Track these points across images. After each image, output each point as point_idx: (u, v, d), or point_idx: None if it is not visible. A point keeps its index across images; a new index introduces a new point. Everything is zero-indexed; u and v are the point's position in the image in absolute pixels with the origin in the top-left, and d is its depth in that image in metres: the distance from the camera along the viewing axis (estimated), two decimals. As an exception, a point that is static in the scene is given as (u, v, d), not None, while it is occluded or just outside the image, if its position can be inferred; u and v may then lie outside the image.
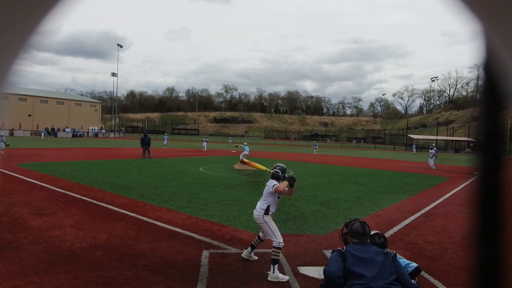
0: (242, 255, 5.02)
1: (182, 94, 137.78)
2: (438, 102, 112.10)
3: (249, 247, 4.97)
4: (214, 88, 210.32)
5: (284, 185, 4.55)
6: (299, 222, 7.02)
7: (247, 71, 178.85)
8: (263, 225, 4.61)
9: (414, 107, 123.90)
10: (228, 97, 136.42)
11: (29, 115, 58.09)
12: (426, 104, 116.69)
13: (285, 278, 4.36)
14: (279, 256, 4.45)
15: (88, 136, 60.64)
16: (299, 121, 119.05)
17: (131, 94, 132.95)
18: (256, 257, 4.99)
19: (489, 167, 0.55)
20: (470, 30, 0.47)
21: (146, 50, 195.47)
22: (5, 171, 12.60)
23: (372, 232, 3.50)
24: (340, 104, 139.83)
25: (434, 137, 59.83)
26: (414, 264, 3.43)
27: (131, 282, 4.08)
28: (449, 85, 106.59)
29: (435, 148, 24.26)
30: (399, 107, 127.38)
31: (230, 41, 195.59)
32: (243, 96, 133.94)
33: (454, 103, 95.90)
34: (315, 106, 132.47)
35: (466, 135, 58.71)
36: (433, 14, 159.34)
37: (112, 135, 66.87)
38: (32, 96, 59.87)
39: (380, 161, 26.93)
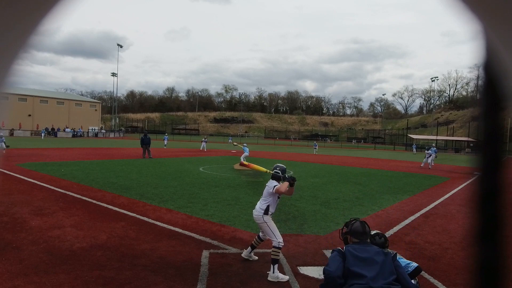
0: (242, 255, 5.02)
1: (182, 94, 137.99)
2: (438, 102, 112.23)
3: (249, 247, 4.97)
4: (214, 88, 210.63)
5: (285, 186, 4.54)
6: (299, 222, 7.02)
7: (247, 71, 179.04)
8: (262, 225, 4.61)
9: (414, 107, 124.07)
10: (228, 97, 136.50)
11: (29, 115, 58.09)
12: (426, 104, 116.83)
13: (285, 278, 4.36)
14: (279, 256, 4.45)
15: (88, 136, 60.64)
16: (299, 121, 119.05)
17: (131, 94, 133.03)
18: (256, 257, 4.99)
19: (489, 167, 0.55)
20: (470, 30, 0.47)
21: (146, 50, 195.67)
22: (5, 171, 12.60)
23: (372, 232, 3.50)
24: (340, 104, 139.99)
25: (434, 137, 59.82)
26: (415, 264, 3.43)
27: (131, 282, 4.08)
28: (449, 85, 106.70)
29: (433, 148, 24.28)
30: (399, 107, 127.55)
31: (230, 41, 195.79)
32: (243, 96, 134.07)
33: (454, 103, 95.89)
34: (315, 106, 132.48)
35: (466, 135, 58.71)
36: (433, 14, 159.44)
37: (112, 135, 66.86)
38: (32, 96, 59.86)
39: (380, 161, 26.93)
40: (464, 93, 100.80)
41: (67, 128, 59.88)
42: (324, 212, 8.07)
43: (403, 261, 3.40)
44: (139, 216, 7.05)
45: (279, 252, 4.46)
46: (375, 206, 9.01)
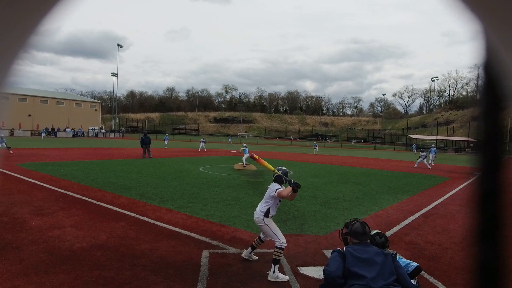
0: (242, 255, 5.01)
1: (182, 94, 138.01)
2: (438, 102, 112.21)
3: (249, 248, 4.97)
4: (214, 88, 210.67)
5: (287, 191, 4.49)
6: (299, 222, 7.02)
7: (247, 71, 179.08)
8: (263, 227, 4.60)
9: (414, 107, 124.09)
10: (228, 97, 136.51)
11: (29, 115, 58.08)
12: (426, 104, 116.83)
13: (285, 278, 4.35)
14: (280, 256, 4.44)
15: (88, 136, 60.64)
16: (299, 121, 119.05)
17: (131, 94, 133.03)
18: (256, 257, 4.99)
19: (489, 167, 0.55)
20: (470, 30, 0.47)
21: (146, 50, 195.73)
22: (5, 171, 12.60)
23: (373, 232, 3.50)
24: (340, 104, 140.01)
25: (434, 137, 59.82)
26: (415, 264, 3.43)
27: (131, 282, 4.08)
28: (449, 85, 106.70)
29: (433, 148, 24.27)
30: (399, 107, 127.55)
31: (230, 41, 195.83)
32: (243, 96, 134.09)
33: (454, 103, 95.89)
34: (315, 106, 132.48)
35: (466, 135, 58.71)
36: (433, 14, 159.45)
37: (112, 135, 66.87)
38: (32, 96, 59.86)
39: (380, 161, 26.93)
40: (464, 93, 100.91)
41: (67, 128, 59.89)
42: (324, 212, 8.07)
43: (403, 261, 3.40)
44: (139, 216, 7.05)
45: (282, 253, 4.45)
46: (375, 206, 9.01)
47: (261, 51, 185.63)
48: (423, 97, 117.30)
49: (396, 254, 3.13)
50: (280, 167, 4.88)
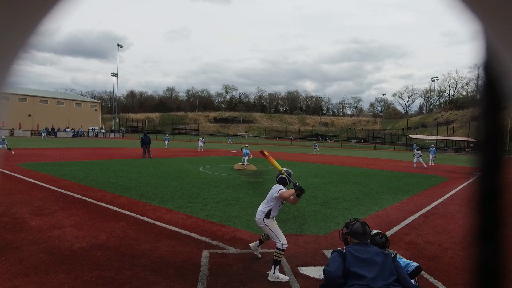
0: (250, 245, 5.07)
1: (182, 94, 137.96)
2: (438, 102, 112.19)
3: (257, 241, 5.00)
4: (214, 88, 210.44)
5: (290, 192, 4.45)
6: (299, 222, 7.02)
7: (247, 71, 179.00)
8: (264, 228, 4.59)
9: (414, 107, 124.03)
10: (228, 97, 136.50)
11: (29, 115, 58.09)
12: (426, 104, 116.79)
13: (285, 278, 4.35)
14: (281, 257, 4.43)
15: (88, 136, 60.66)
16: (299, 121, 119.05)
17: (131, 94, 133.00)
18: (259, 255, 4.97)
19: (489, 167, 0.55)
20: (470, 30, 0.47)
21: (146, 50, 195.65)
22: (5, 171, 12.60)
23: (373, 232, 3.50)
24: (340, 104, 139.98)
25: (434, 137, 59.82)
26: (415, 264, 3.43)
27: (131, 282, 4.08)
28: (449, 85, 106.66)
29: (432, 148, 24.28)
30: (399, 107, 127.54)
31: (230, 41, 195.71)
32: (243, 96, 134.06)
33: (454, 103, 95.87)
34: (315, 106, 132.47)
35: (466, 135, 58.70)
36: (433, 14, 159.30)
37: (112, 135, 66.88)
38: (32, 96, 59.86)
39: (380, 161, 26.93)
40: (464, 93, 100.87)
41: (67, 128, 59.90)
42: (324, 212, 8.07)
43: (403, 261, 3.40)
44: (139, 216, 7.05)
45: (282, 254, 4.44)
46: (375, 206, 9.01)
47: (261, 51, 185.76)
48: (423, 97, 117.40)
49: (396, 254, 3.13)
50: (283, 168, 4.82)
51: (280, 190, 4.53)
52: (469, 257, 0.59)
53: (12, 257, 4.62)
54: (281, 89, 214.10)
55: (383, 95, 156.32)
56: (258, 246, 4.97)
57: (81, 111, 68.01)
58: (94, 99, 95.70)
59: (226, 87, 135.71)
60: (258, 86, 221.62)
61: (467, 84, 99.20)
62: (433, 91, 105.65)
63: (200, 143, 30.54)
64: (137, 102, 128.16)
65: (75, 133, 57.87)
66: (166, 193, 9.57)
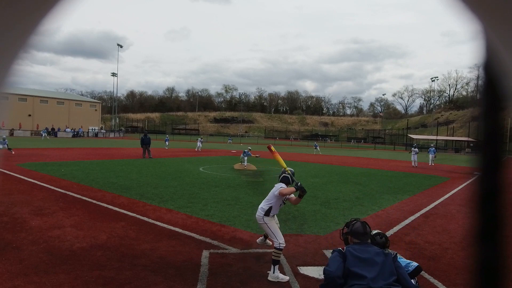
0: (257, 240, 5.15)
1: (182, 94, 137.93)
2: (438, 102, 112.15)
3: (263, 236, 5.03)
4: (214, 88, 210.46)
5: (289, 190, 4.45)
6: (299, 222, 7.02)
7: (247, 71, 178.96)
8: (263, 225, 4.59)
9: (414, 107, 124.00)
10: (228, 97, 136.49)
11: (29, 115, 58.08)
12: (426, 104, 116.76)
13: (285, 278, 4.35)
14: (279, 257, 4.43)
15: (88, 136, 60.66)
16: (299, 121, 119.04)
17: (131, 94, 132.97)
18: (270, 243, 4.94)
19: (489, 167, 0.55)
20: (470, 30, 0.47)
21: (146, 50, 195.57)
22: (5, 171, 12.60)
23: (373, 232, 3.50)
24: (340, 104, 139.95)
25: (434, 137, 59.81)
26: (415, 264, 3.43)
27: (131, 282, 4.08)
28: (449, 85, 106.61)
29: (432, 148, 24.30)
30: (399, 107, 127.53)
31: (230, 41, 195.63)
32: (243, 96, 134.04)
33: (454, 103, 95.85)
34: (315, 106, 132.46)
35: (466, 135, 58.69)
36: (433, 14, 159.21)
37: (112, 135, 66.87)
38: (32, 96, 59.85)
39: (380, 161, 26.93)
40: (464, 93, 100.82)
41: (67, 128, 59.91)
42: (324, 212, 8.07)
43: (403, 261, 3.40)
44: (139, 216, 7.05)
45: (280, 253, 4.44)
46: (375, 206, 9.01)
47: (261, 51, 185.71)
48: (423, 97, 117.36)
49: (396, 254, 3.12)
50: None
51: (280, 187, 4.54)
52: (469, 257, 0.59)
53: (12, 257, 4.62)
54: (281, 89, 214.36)
55: (383, 95, 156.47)
56: (265, 240, 5.01)
57: (81, 111, 68.01)
58: (94, 99, 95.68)
59: (226, 87, 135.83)
60: (258, 86, 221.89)
61: (467, 84, 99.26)
62: (433, 91, 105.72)
63: (198, 143, 30.50)
64: (137, 102, 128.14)
65: (75, 133, 57.87)
66: (166, 193, 9.57)
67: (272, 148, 5.24)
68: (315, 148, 35.71)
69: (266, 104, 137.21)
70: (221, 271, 4.53)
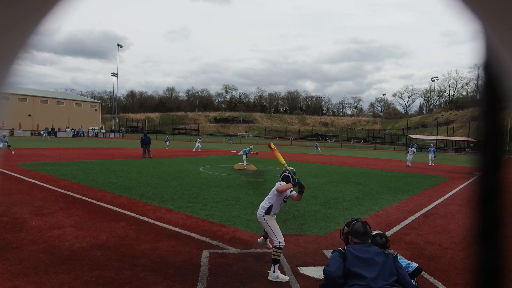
0: (258, 240, 5.11)
1: (182, 94, 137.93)
2: (438, 102, 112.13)
3: (262, 236, 5.01)
4: (214, 88, 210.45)
5: (286, 186, 4.47)
6: (299, 222, 7.02)
7: (247, 71, 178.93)
8: (263, 224, 4.59)
9: (414, 107, 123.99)
10: (228, 97, 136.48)
11: (29, 115, 58.07)
12: (426, 104, 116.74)
13: (285, 278, 4.35)
14: (279, 256, 4.43)
15: (88, 136, 60.66)
16: (299, 121, 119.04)
17: (131, 94, 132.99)
18: (270, 245, 4.94)
19: (489, 167, 0.55)
20: (470, 30, 0.47)
21: (146, 50, 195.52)
22: (5, 171, 12.60)
23: (374, 232, 3.49)
24: (340, 104, 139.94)
25: (434, 137, 59.81)
26: (415, 264, 3.43)
27: (131, 282, 4.08)
28: (449, 85, 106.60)
29: (432, 148, 24.30)
30: (399, 107, 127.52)
31: (230, 41, 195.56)
32: (243, 96, 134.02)
33: (454, 103, 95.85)
34: (315, 106, 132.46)
35: (466, 135, 58.69)
36: (433, 14, 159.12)
37: (112, 135, 66.88)
38: (32, 96, 59.85)
39: (380, 161, 26.93)
40: (464, 93, 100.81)
41: (67, 128, 59.91)
42: (324, 212, 8.07)
43: (403, 261, 3.40)
44: (139, 216, 7.05)
45: (280, 253, 4.44)
46: (375, 206, 9.01)
47: (261, 51, 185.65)
48: (423, 97, 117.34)
49: (397, 255, 3.12)
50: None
51: (279, 185, 4.54)
52: (469, 257, 0.59)
53: (12, 257, 4.62)
54: (281, 89, 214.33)
55: (383, 95, 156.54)
56: (265, 240, 4.99)
57: (81, 111, 68.01)
58: (94, 99, 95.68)
59: (226, 87, 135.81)
60: (258, 86, 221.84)
61: (467, 84, 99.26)
62: (433, 91, 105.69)
63: (197, 144, 30.43)
64: (137, 102, 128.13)
65: (75, 133, 57.88)
66: (166, 193, 9.57)
67: (272, 145, 5.31)
68: (316, 148, 35.68)
69: (266, 104, 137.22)
70: (221, 271, 4.53)
